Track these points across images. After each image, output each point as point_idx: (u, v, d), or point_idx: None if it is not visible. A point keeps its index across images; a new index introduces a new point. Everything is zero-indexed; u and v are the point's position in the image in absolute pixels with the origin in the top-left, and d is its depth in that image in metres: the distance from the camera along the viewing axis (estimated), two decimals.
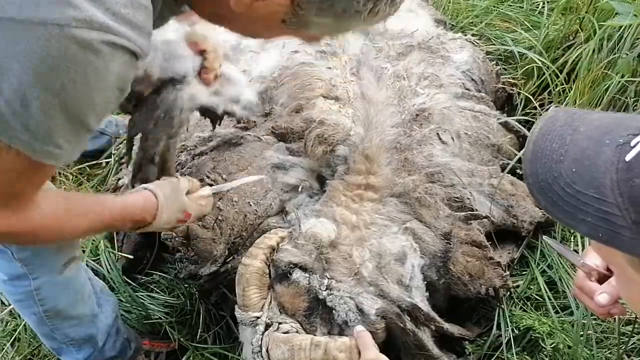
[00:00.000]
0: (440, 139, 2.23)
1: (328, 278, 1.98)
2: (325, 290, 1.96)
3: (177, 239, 2.27)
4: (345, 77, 2.38)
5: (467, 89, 2.57)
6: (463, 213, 2.22)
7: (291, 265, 2.00)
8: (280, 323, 1.92)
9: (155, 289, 2.63)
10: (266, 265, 2.01)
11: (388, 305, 2.08)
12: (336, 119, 2.21)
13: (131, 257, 2.59)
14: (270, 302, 1.98)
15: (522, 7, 3.33)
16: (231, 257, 2.27)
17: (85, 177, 3.02)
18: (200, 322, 2.47)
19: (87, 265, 2.55)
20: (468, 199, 2.24)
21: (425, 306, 2.15)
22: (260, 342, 1.90)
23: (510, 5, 3.38)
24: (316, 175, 2.29)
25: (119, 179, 2.77)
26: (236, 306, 2.01)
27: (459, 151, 2.32)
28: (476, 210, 2.27)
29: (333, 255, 2.01)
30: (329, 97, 2.28)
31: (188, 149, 2.52)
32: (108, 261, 2.57)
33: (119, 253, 2.61)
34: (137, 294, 2.58)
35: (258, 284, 1.97)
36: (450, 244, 2.20)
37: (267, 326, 1.93)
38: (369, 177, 2.11)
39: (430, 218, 2.18)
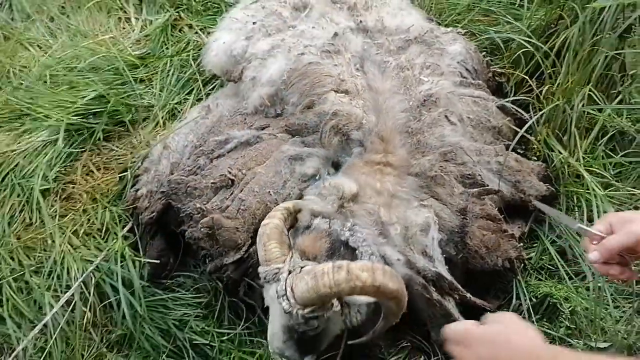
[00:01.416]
0: (449, 120, 2.37)
1: (351, 223, 2.06)
2: (348, 232, 2.03)
3: (202, 229, 2.35)
4: (351, 72, 2.51)
5: (464, 77, 2.72)
6: (476, 189, 2.34)
7: (313, 215, 2.07)
8: (302, 267, 1.95)
9: (180, 290, 2.69)
10: (284, 224, 2.07)
11: (415, 275, 2.18)
12: (349, 110, 2.34)
13: (157, 261, 2.66)
14: (292, 256, 2.02)
15: (502, 2, 3.53)
16: (254, 245, 2.36)
17: (99, 194, 3.08)
18: (225, 315, 2.54)
19: (112, 271, 2.63)
20: (479, 175, 2.37)
21: (448, 276, 2.26)
22: (284, 285, 1.93)
23: (490, 1, 3.58)
24: (332, 162, 2.40)
25: (137, 189, 2.84)
26: (259, 267, 2.05)
27: (464, 133, 2.45)
28: (487, 185, 2.39)
29: (356, 209, 2.10)
30: (339, 90, 2.41)
31: (206, 152, 2.63)
32: (134, 267, 2.62)
33: (144, 259, 2.68)
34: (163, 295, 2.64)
35: (278, 239, 2.02)
36: (466, 219, 2.32)
37: (289, 273, 1.97)
38: (387, 155, 2.23)
39: (446, 196, 2.31)
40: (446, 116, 2.38)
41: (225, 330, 2.52)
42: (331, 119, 2.32)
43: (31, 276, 2.72)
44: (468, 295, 2.35)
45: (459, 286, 2.32)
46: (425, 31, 2.77)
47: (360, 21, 2.76)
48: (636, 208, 2.49)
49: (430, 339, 2.43)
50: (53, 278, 2.69)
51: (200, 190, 2.48)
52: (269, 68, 2.63)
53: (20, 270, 2.75)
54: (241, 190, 2.39)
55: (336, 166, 2.39)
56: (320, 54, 2.55)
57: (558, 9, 2.98)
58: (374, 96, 2.40)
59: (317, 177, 2.37)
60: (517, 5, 3.50)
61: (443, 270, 2.27)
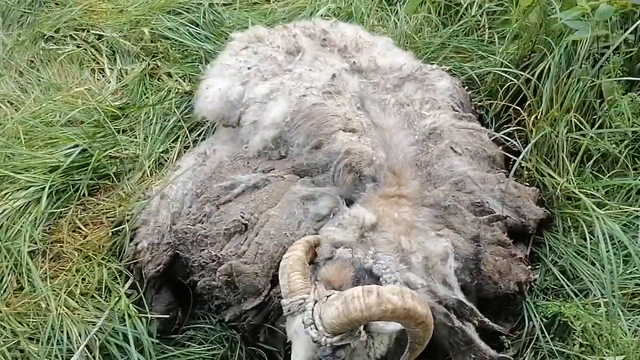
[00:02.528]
0: (454, 151, 2.46)
1: (373, 251, 2.09)
2: (370, 259, 2.06)
3: (220, 277, 2.31)
4: (354, 111, 2.58)
5: (456, 111, 2.84)
6: (486, 216, 2.42)
7: (334, 246, 2.10)
8: (328, 296, 1.95)
9: (192, 344, 2.60)
10: (306, 256, 2.08)
11: (436, 305, 2.21)
12: (359, 147, 2.39)
13: (166, 316, 2.56)
14: (316, 287, 2.02)
15: (474, 39, 3.73)
16: (274, 289, 2.33)
17: (91, 251, 2.95)
18: None
19: (116, 332, 2.52)
20: (487, 202, 2.45)
21: (469, 302, 2.30)
22: (311, 314, 1.92)
23: (461, 39, 3.78)
24: (345, 200, 2.42)
25: (137, 243, 2.75)
26: (282, 300, 2.03)
27: (470, 163, 2.55)
28: (494, 212, 2.48)
29: (376, 237, 2.14)
30: (347, 129, 2.47)
31: (211, 199, 2.60)
32: (142, 324, 2.52)
33: (151, 315, 2.58)
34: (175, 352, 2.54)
35: (301, 270, 2.02)
36: (480, 246, 2.39)
37: (315, 302, 1.96)
38: (401, 188, 2.29)
39: (459, 224, 2.37)
40: (451, 147, 2.47)
41: None
42: (344, 157, 2.36)
43: (27, 344, 2.56)
44: (486, 320, 2.40)
45: (478, 312, 2.37)
46: (415, 69, 2.89)
47: (354, 62, 2.85)
48: (628, 224, 2.64)
49: None
50: (52, 344, 2.54)
51: (212, 237, 2.44)
52: (270, 111, 2.66)
53: (13, 339, 2.58)
54: (256, 234, 2.37)
55: (349, 203, 2.41)
56: (322, 95, 2.61)
57: (530, 43, 3.18)
58: (381, 133, 2.46)
59: (330, 216, 2.38)
60: (486, 42, 3.70)
61: (463, 297, 2.32)
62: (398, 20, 3.97)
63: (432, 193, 2.34)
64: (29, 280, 2.76)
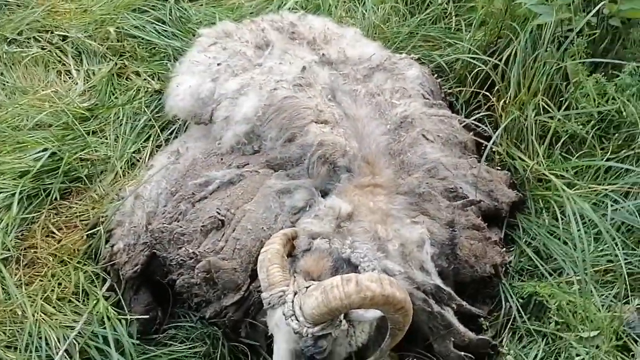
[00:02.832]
0: (426, 138, 2.49)
1: (350, 241, 2.11)
2: (348, 249, 2.08)
3: (199, 274, 2.31)
4: (325, 103, 2.58)
5: (427, 99, 2.87)
6: (460, 201, 2.46)
7: (312, 237, 2.12)
8: (307, 287, 1.97)
9: (173, 342, 2.59)
10: (284, 249, 2.11)
11: (415, 291, 2.24)
12: (332, 139, 2.40)
13: (146, 316, 2.55)
14: (295, 279, 2.04)
15: (441, 27, 3.76)
16: (253, 283, 2.34)
17: (66, 255, 2.91)
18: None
19: (95, 335, 2.49)
20: (460, 188, 2.49)
21: (446, 287, 2.34)
22: (292, 305, 1.95)
23: (429, 28, 3.81)
24: (320, 192, 2.43)
25: (113, 245, 2.72)
26: (262, 294, 2.05)
27: (441, 149, 2.58)
28: (468, 197, 2.52)
29: (353, 227, 2.16)
30: (319, 121, 2.47)
31: (186, 197, 2.58)
32: (122, 326, 2.50)
33: (131, 316, 2.55)
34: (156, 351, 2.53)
35: (280, 263, 2.05)
36: (455, 231, 2.43)
37: (295, 294, 1.99)
38: (375, 177, 2.31)
39: (434, 210, 2.41)
40: (423, 135, 2.50)
41: None
42: (317, 149, 2.37)
43: (5, 353, 2.52)
44: (464, 303, 2.44)
45: (456, 296, 2.41)
46: (384, 59, 2.90)
47: (323, 54, 2.85)
48: (598, 202, 2.70)
49: (433, 351, 2.48)
50: (30, 351, 2.50)
51: (188, 235, 2.44)
52: (241, 106, 2.65)
53: None
54: (233, 230, 2.36)
55: (324, 195, 2.42)
56: (293, 88, 2.61)
57: (497, 29, 3.22)
58: (353, 123, 2.47)
59: (306, 209, 2.39)
60: (453, 29, 3.74)
61: (440, 282, 2.35)
62: (366, 11, 3.98)
63: (406, 181, 2.36)
64: (3, 288, 2.71)
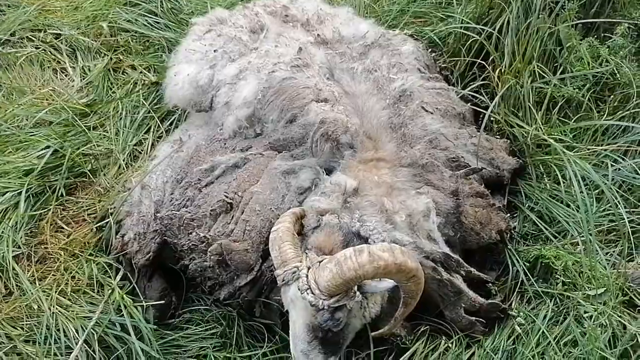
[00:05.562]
0: (426, 110, 2.52)
1: (359, 215, 2.15)
2: (357, 222, 2.12)
3: (212, 257, 2.34)
4: (324, 82, 2.60)
5: (423, 72, 2.89)
6: (462, 170, 2.50)
7: (320, 214, 2.16)
8: (320, 261, 2.02)
9: (190, 325, 2.64)
10: (294, 227, 2.15)
11: (424, 260, 2.29)
12: (334, 116, 2.43)
13: (161, 302, 2.59)
14: (307, 256, 2.08)
15: (432, 2, 3.78)
16: (265, 263, 2.38)
17: (77, 249, 2.95)
18: (243, 340, 2.53)
19: (113, 323, 2.54)
20: (462, 157, 2.52)
21: (454, 254, 2.38)
22: (306, 280, 1.99)
23: (420, 4, 3.82)
24: (324, 170, 2.46)
25: (123, 235, 2.76)
26: (276, 271, 2.09)
27: (442, 120, 2.61)
28: (470, 165, 2.55)
29: (360, 201, 2.20)
30: (319, 100, 2.49)
31: (192, 184, 2.61)
32: (138, 312, 2.54)
33: (147, 302, 2.60)
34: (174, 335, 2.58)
35: (291, 240, 2.09)
36: (460, 199, 2.47)
37: (309, 269, 2.03)
38: (378, 151, 2.34)
39: (438, 181, 2.44)
40: (423, 107, 2.53)
41: (247, 354, 2.50)
42: (319, 127, 2.39)
43: (24, 347, 2.56)
44: (473, 269, 2.49)
45: (464, 263, 2.45)
46: (379, 36, 2.92)
47: (318, 34, 2.87)
48: (598, 163, 2.75)
49: (445, 318, 2.53)
50: (49, 344, 2.54)
51: (198, 220, 2.47)
52: (241, 91, 2.67)
53: (9, 343, 2.57)
54: (242, 212, 2.40)
55: (329, 172, 2.45)
56: (291, 69, 2.63)
57: (488, 1, 3.24)
58: (353, 100, 2.50)
59: (312, 188, 2.42)
60: (444, 4, 3.76)
61: (448, 250, 2.40)
62: None
63: (409, 153, 2.39)
64: (17, 285, 2.75)
